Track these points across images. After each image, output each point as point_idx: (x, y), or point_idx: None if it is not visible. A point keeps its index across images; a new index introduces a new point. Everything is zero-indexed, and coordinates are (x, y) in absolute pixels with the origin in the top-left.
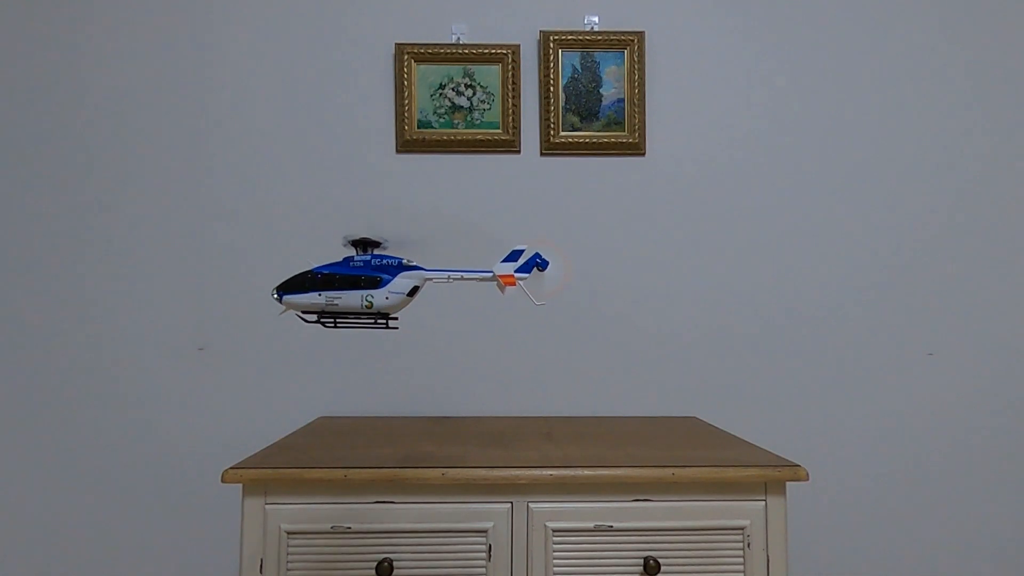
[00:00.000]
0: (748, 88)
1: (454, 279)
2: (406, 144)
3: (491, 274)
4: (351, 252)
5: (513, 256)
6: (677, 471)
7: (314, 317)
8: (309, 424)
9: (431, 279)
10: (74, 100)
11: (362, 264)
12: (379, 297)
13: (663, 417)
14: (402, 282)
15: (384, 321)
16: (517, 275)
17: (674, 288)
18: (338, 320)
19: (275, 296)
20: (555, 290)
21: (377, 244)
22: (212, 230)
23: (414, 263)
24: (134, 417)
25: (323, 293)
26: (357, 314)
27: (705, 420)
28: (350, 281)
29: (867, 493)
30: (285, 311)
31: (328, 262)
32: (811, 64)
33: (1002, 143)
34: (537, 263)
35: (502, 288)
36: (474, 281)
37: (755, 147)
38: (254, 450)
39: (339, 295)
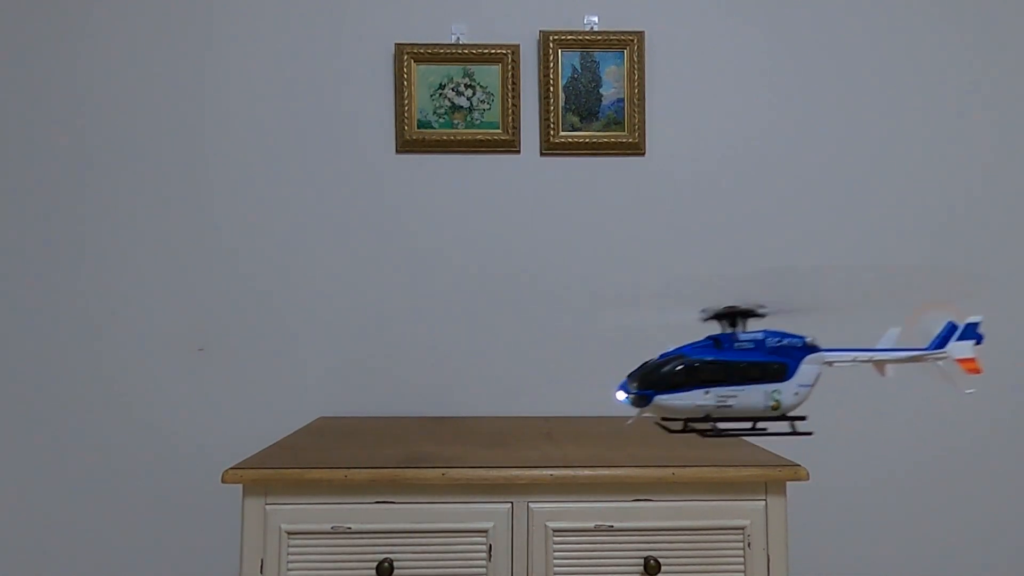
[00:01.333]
0: (748, 88)
1: (877, 361)
2: (406, 144)
3: (944, 354)
4: (712, 327)
5: (970, 331)
6: (677, 471)
7: (679, 425)
8: (309, 424)
9: (839, 362)
10: (74, 101)
11: (753, 345)
12: (787, 393)
13: None
14: (808, 370)
15: (793, 427)
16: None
17: (674, 287)
18: (716, 424)
19: (630, 394)
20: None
21: (753, 314)
22: (211, 231)
23: (814, 341)
24: (134, 418)
25: (711, 390)
26: (753, 418)
27: None
28: (742, 372)
29: (868, 493)
30: (634, 418)
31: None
32: (811, 63)
33: (1002, 144)
34: (973, 335)
35: (957, 379)
36: (898, 363)
37: (755, 147)
38: (254, 450)
39: (734, 392)
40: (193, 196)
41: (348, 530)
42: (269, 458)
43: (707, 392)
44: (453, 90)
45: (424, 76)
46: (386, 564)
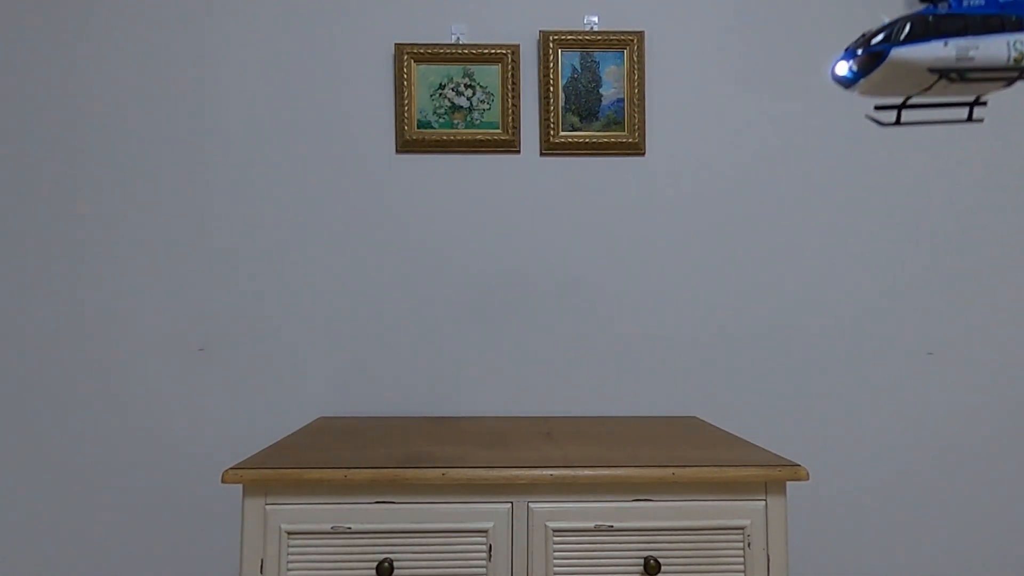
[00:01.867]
0: (748, 88)
1: None
2: (406, 144)
3: None
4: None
5: None
6: (677, 471)
7: (892, 117)
8: (309, 424)
9: None
10: (71, 100)
11: (984, 2)
12: None
13: (663, 417)
14: None
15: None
16: None
17: (674, 288)
18: (958, 78)
19: (857, 56)
20: None
21: None
22: (211, 231)
23: None
24: (135, 418)
25: (950, 41)
26: (996, 70)
27: (705, 420)
28: (980, 21)
29: (867, 493)
30: (859, 87)
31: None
32: (812, 64)
33: (1003, 142)
34: None
35: None
36: None
37: (755, 147)
38: (254, 450)
39: (976, 42)
40: (193, 196)
41: (348, 530)
42: (269, 458)
43: (946, 44)
44: (453, 90)
45: (424, 76)
46: (386, 564)
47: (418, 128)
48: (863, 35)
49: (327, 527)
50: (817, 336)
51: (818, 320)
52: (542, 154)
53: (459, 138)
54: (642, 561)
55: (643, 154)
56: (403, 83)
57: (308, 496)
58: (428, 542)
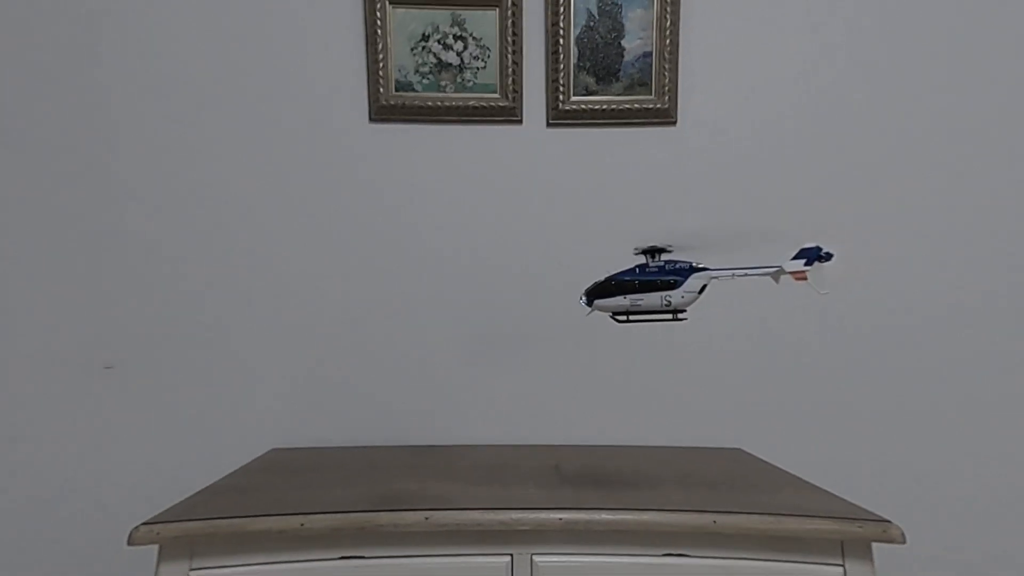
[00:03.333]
0: (805, 39)
1: (738, 276)
2: (382, 111)
3: (778, 269)
4: (641, 259)
5: (802, 254)
6: (720, 518)
7: (620, 315)
8: (256, 459)
9: (717, 277)
10: None
11: (657, 269)
12: (676, 297)
13: (700, 448)
14: (694, 282)
15: (673, 315)
16: (806, 269)
17: (713, 291)
18: (631, 316)
19: (583, 301)
20: (837, 280)
21: (664, 250)
22: (125, 216)
23: (702, 265)
24: (19, 455)
25: (628, 296)
26: (655, 311)
27: (753, 452)
28: (649, 286)
29: (974, 558)
30: (591, 312)
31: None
32: (884, 5)
33: None
34: (820, 256)
35: (776, 279)
36: (757, 277)
37: (813, 113)
38: (179, 496)
39: (641, 297)
40: (102, 172)
41: None
42: (198, 505)
43: (625, 297)
44: (439, 42)
45: (403, 23)
46: None
47: (396, 91)
48: (595, 282)
49: None
50: (901, 350)
51: (901, 331)
52: (549, 124)
53: (447, 104)
54: None
55: (674, 123)
56: (376, 32)
57: (251, 554)
58: None
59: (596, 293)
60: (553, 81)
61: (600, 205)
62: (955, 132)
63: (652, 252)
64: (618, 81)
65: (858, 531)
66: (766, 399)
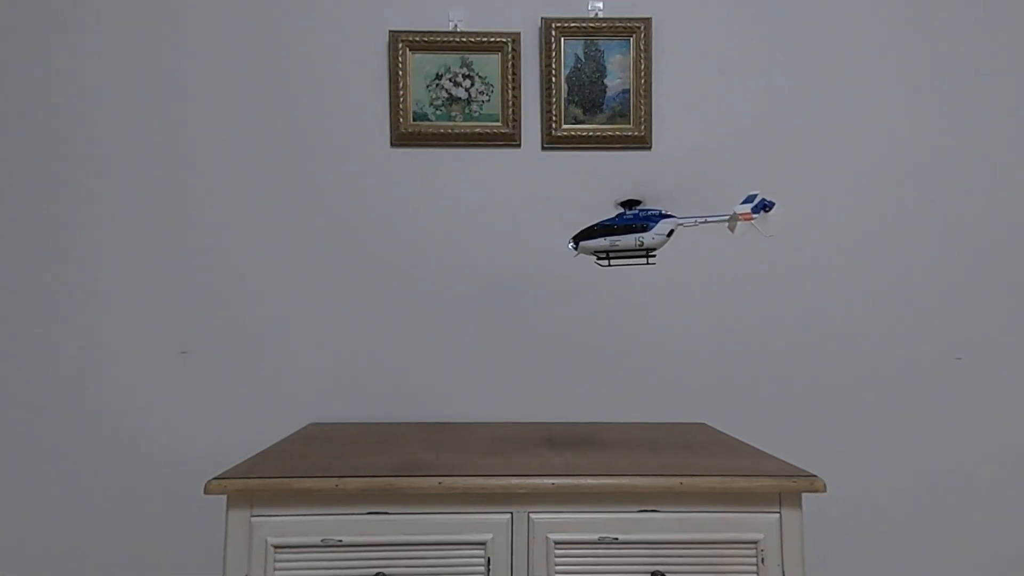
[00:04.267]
0: (760, 77)
1: (699, 222)
2: (401, 138)
3: (731, 215)
4: (620, 210)
5: (748, 199)
6: (685, 480)
7: (601, 256)
8: (299, 431)
9: (682, 223)
10: (53, 96)
11: (632, 216)
12: (648, 238)
13: (670, 423)
14: (663, 226)
15: (646, 256)
16: (753, 213)
17: (682, 288)
18: (611, 258)
19: (571, 245)
20: (778, 227)
21: (639, 202)
22: (196, 228)
23: (670, 212)
24: (113, 425)
25: (608, 237)
26: (631, 251)
27: (714, 426)
28: (626, 228)
29: (888, 505)
30: (578, 254)
31: None
32: (826, 52)
33: (1007, 137)
34: (765, 205)
35: (733, 227)
36: (715, 223)
37: (767, 140)
38: (240, 459)
39: (619, 238)
40: (178, 191)
41: (339, 543)
42: (255, 467)
43: (605, 239)
44: (450, 80)
45: (420, 65)
46: None
47: (414, 120)
48: (582, 230)
49: (317, 540)
50: (836, 339)
51: (837, 323)
52: (544, 148)
53: (457, 131)
54: (648, 575)
55: (649, 148)
56: (398, 73)
57: (296, 507)
58: (423, 555)
59: (582, 236)
60: (547, 112)
61: (587, 215)
62: (896, 147)
63: (628, 204)
64: (602, 112)
65: (792, 484)
66: (725, 383)
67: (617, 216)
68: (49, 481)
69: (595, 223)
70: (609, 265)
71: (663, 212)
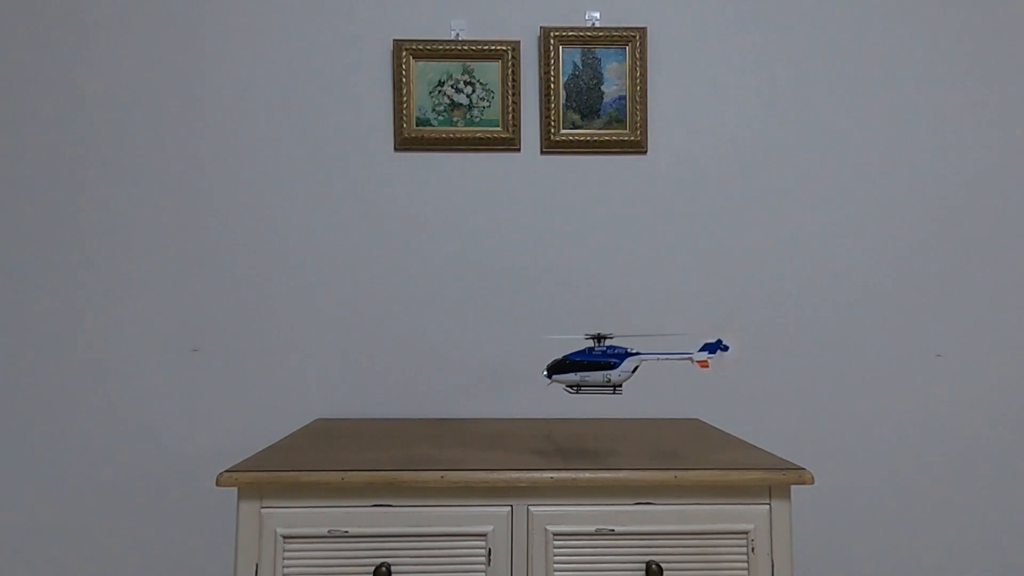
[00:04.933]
0: (752, 85)
1: (661, 359)
2: (404, 142)
3: (689, 355)
4: (590, 343)
5: (707, 347)
6: (680, 474)
7: (572, 387)
8: (306, 426)
9: (646, 360)
10: (67, 99)
11: (600, 353)
12: (615, 375)
13: (665, 419)
14: (628, 364)
15: (612, 389)
16: (710, 358)
17: (676, 288)
18: (580, 389)
19: (545, 374)
20: (734, 365)
21: (607, 337)
22: (207, 230)
23: (635, 350)
24: (128, 419)
25: (579, 373)
26: (599, 385)
27: (707, 422)
28: (594, 365)
29: (873, 496)
30: (551, 384)
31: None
32: (816, 60)
33: (1008, 141)
34: (721, 347)
35: (695, 363)
36: (676, 360)
37: (758, 145)
38: (250, 452)
39: (589, 374)
40: (188, 195)
41: (345, 534)
42: (265, 460)
43: (576, 374)
44: (452, 87)
45: (423, 73)
46: (384, 568)
47: (417, 126)
48: (554, 360)
49: (324, 531)
50: (824, 338)
51: (824, 321)
52: (543, 152)
53: (458, 136)
54: (643, 565)
55: (645, 152)
56: (402, 80)
57: (305, 499)
58: (426, 546)
59: (555, 368)
60: (545, 118)
61: (584, 217)
62: (884, 152)
63: (598, 338)
64: (599, 118)
65: (781, 477)
66: (717, 381)
67: (586, 351)
68: (67, 473)
69: (567, 355)
70: (578, 393)
71: (628, 351)
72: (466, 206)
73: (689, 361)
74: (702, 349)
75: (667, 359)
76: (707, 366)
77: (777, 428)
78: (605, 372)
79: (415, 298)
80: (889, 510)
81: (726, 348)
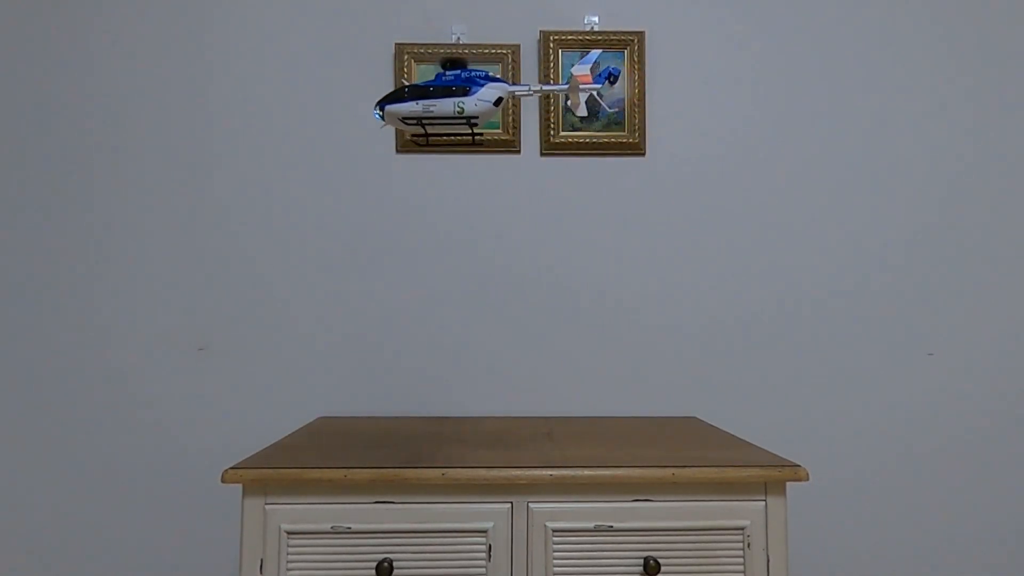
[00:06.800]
0: (749, 88)
1: (534, 92)
2: (406, 144)
3: (569, 78)
4: (441, 71)
5: (587, 59)
6: (677, 471)
7: (411, 124)
8: (309, 424)
9: (513, 92)
10: (72, 100)
11: (452, 77)
12: (469, 104)
13: (663, 417)
14: (489, 91)
15: (470, 127)
16: (593, 76)
17: (674, 288)
18: (428, 129)
19: (377, 112)
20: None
21: (465, 62)
22: (211, 231)
23: (499, 77)
24: (134, 417)
25: (420, 101)
26: (449, 119)
27: (705, 420)
28: (444, 91)
29: (867, 493)
30: (385, 125)
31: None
32: (812, 63)
33: (1000, 141)
34: (611, 74)
35: (575, 100)
36: (554, 92)
37: (755, 147)
38: (254, 450)
39: (434, 103)
40: (193, 195)
41: (348, 530)
42: (269, 458)
43: (417, 103)
44: None
45: (424, 76)
46: (386, 564)
47: None
48: (394, 91)
49: (327, 527)
50: (818, 337)
51: (820, 321)
52: (542, 154)
53: (459, 138)
54: (642, 561)
55: (643, 154)
56: (403, 82)
57: (308, 496)
58: (428, 542)
59: (387, 99)
60: (545, 120)
61: (584, 218)
62: (872, 152)
63: (452, 63)
64: (598, 120)
65: (777, 474)
66: (714, 380)
67: (435, 77)
68: (75, 469)
69: (406, 85)
70: (427, 143)
71: (490, 74)
72: (467, 207)
73: (571, 93)
74: (582, 62)
75: (541, 91)
76: (589, 81)
77: (773, 426)
78: (457, 99)
79: (416, 298)
80: (883, 506)
81: (616, 74)
